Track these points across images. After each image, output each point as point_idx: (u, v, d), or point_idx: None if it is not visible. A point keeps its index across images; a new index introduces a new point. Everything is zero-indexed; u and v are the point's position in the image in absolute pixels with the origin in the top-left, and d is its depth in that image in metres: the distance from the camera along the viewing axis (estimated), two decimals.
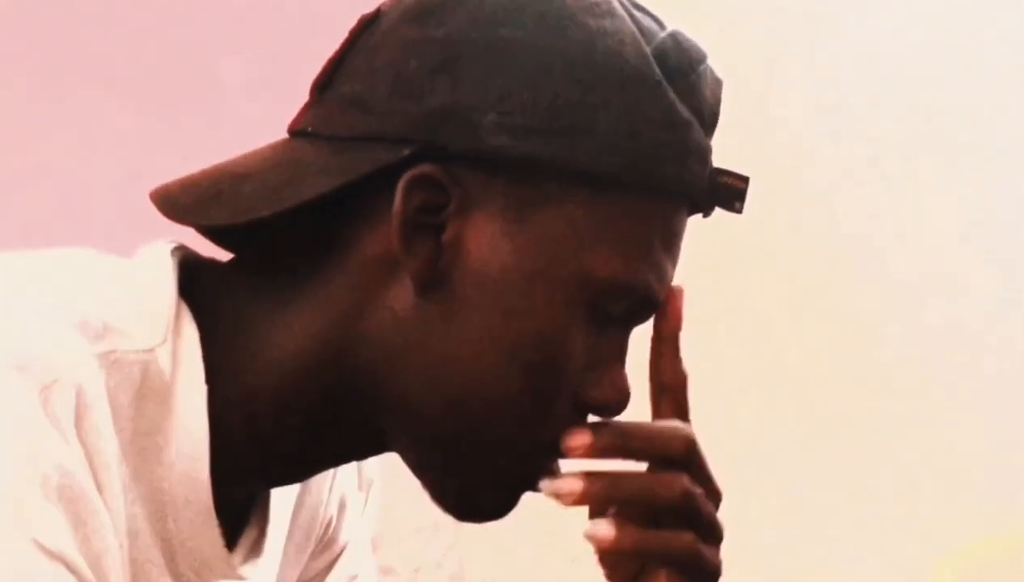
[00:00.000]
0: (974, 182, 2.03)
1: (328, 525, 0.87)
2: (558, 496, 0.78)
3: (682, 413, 0.82)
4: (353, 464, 0.88)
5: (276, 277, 0.78)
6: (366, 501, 0.91)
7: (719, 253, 1.93)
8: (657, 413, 0.83)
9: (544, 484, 0.78)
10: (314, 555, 0.87)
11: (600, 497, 0.78)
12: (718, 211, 0.83)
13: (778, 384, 1.99)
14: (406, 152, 0.76)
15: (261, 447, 0.78)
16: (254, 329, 0.78)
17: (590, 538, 0.79)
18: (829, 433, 1.99)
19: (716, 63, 0.82)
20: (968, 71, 2.02)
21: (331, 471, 0.87)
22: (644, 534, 0.78)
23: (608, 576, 0.84)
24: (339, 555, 0.88)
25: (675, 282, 0.82)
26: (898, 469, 2.01)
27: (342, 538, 0.88)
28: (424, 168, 0.76)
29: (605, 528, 0.78)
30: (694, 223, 0.84)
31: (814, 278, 2.00)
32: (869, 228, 2.01)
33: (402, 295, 0.77)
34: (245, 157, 0.80)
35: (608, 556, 0.80)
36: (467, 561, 1.90)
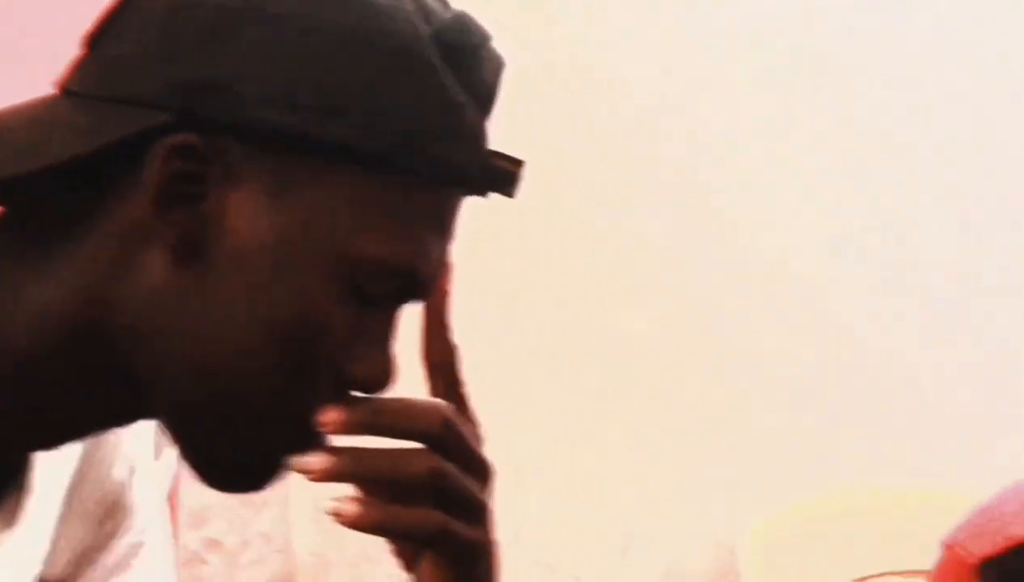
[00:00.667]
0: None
1: (116, 492, 0.87)
2: (305, 471, 0.78)
3: (454, 388, 0.83)
4: (149, 430, 0.88)
5: (36, 236, 0.77)
6: (159, 468, 0.90)
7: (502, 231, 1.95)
8: (433, 391, 0.84)
9: (293, 460, 0.78)
10: (102, 523, 0.87)
11: (345, 473, 0.78)
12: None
13: (581, 354, 2.01)
14: (165, 118, 0.74)
15: (14, 409, 0.77)
16: (11, 287, 0.76)
17: (333, 515, 0.79)
18: (636, 404, 2.01)
19: (500, 45, 0.82)
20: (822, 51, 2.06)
21: (121, 436, 0.86)
22: (387, 511, 0.78)
23: (400, 565, 0.85)
24: (125, 522, 0.87)
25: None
26: (706, 440, 2.04)
27: (130, 505, 0.88)
28: (183, 137, 0.74)
29: (348, 505, 0.78)
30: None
31: (595, 250, 2.02)
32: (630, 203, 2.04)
33: (157, 264, 0.76)
34: (13, 109, 0.78)
35: (367, 533, 0.80)
36: (295, 534, 1.91)
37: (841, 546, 1.96)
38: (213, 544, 1.86)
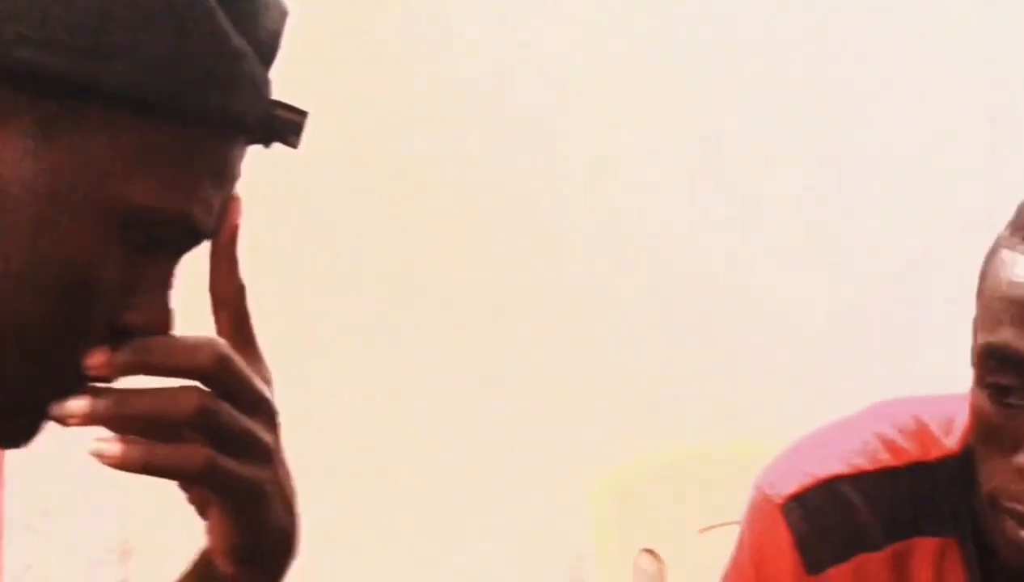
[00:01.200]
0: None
1: None
2: (66, 418, 0.76)
3: (240, 325, 0.82)
4: None
5: None
6: None
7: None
8: (218, 328, 0.82)
9: (53, 407, 0.77)
10: None
11: (107, 415, 0.77)
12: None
13: (408, 303, 2.00)
14: None
15: None
16: None
17: (96, 455, 0.77)
18: (476, 358, 2.01)
19: None
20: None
21: None
22: (150, 449, 0.77)
23: (197, 512, 0.83)
24: None
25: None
26: (552, 394, 2.05)
27: None
28: None
29: (110, 445, 0.77)
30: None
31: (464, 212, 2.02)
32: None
33: None
34: None
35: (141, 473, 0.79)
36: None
37: (688, 498, 1.97)
38: None
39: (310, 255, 1.94)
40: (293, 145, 0.80)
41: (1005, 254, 1.12)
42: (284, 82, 0.85)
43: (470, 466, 2.02)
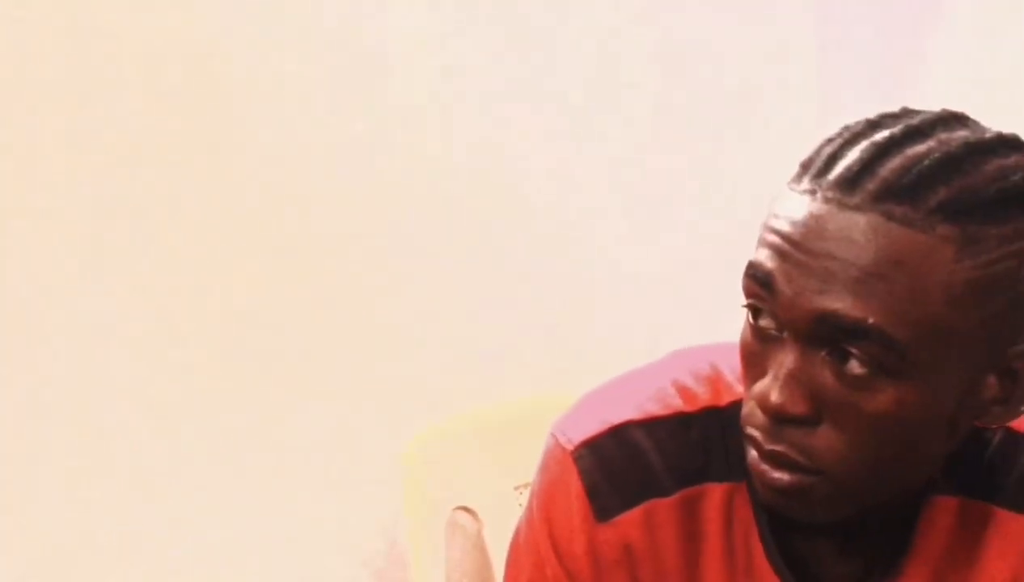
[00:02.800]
0: None
1: None
2: None
3: None
4: None
5: None
6: None
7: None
8: None
9: None
10: None
11: None
12: None
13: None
14: None
15: None
16: None
17: None
18: (293, 321, 1.98)
19: None
20: None
21: None
22: None
23: None
24: None
25: None
26: (369, 352, 2.02)
27: None
28: None
29: None
30: None
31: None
32: None
33: None
34: None
35: None
36: None
37: (502, 455, 1.96)
38: None
39: None
40: None
41: (783, 190, 1.12)
42: None
43: (281, 431, 1.98)
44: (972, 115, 1.14)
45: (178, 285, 1.91)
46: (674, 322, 2.13)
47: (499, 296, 2.06)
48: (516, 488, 1.99)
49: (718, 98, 2.14)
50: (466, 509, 1.95)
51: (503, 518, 1.93)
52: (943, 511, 1.21)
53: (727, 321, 2.04)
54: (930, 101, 1.15)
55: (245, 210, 1.93)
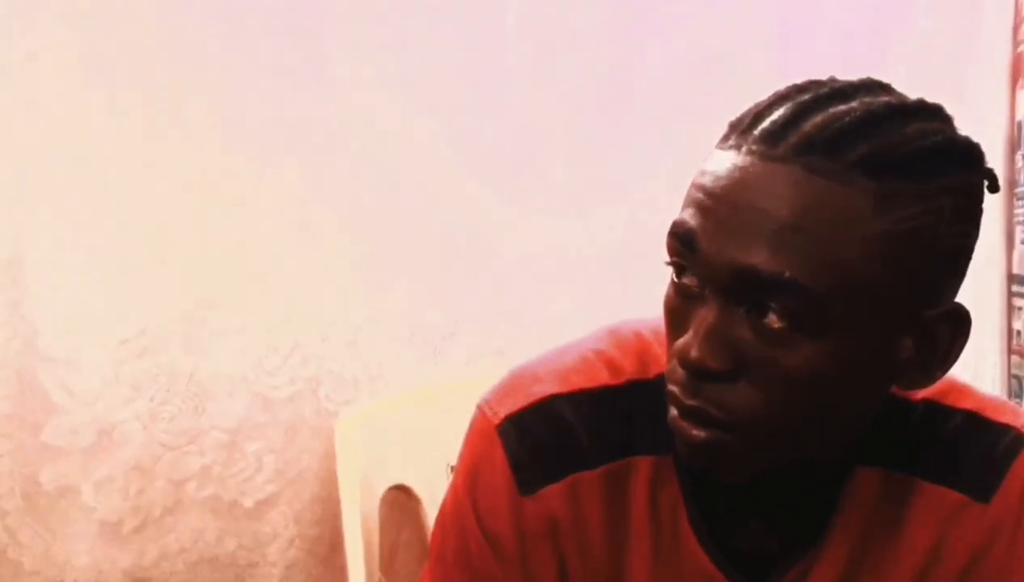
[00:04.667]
0: None
1: None
2: None
3: None
4: None
5: None
6: None
7: None
8: None
9: None
10: None
11: None
12: None
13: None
14: None
15: None
16: None
17: None
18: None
19: None
20: None
21: None
22: None
23: None
24: None
25: None
26: (294, 328, 2.00)
27: None
28: None
29: None
30: None
31: None
32: None
33: None
34: None
35: None
36: None
37: (435, 434, 1.95)
38: None
39: None
40: None
41: (711, 152, 1.13)
42: None
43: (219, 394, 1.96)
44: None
45: None
46: (611, 300, 2.13)
47: (434, 275, 2.04)
48: (450, 466, 1.97)
49: (671, 75, 2.13)
50: (401, 488, 1.94)
51: (437, 497, 1.93)
52: (866, 483, 1.21)
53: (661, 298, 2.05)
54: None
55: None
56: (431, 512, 1.93)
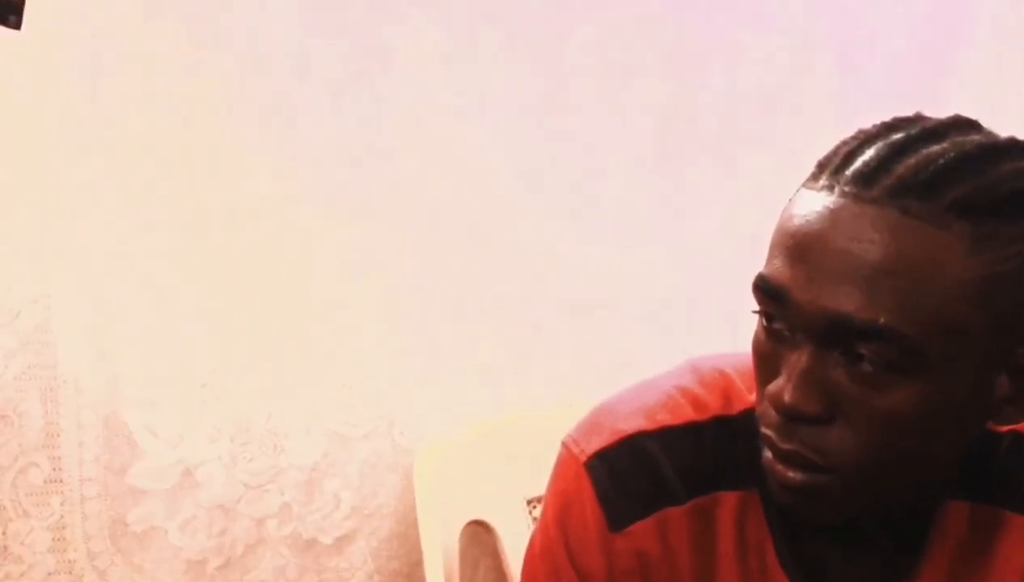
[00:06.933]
0: None
1: None
2: None
3: None
4: None
5: None
6: None
7: None
8: None
9: None
10: None
11: None
12: None
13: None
14: None
15: None
16: None
17: None
18: (305, 320, 1.98)
19: None
20: None
21: None
22: None
23: None
24: None
25: None
26: (384, 362, 2.02)
27: None
28: None
29: None
30: None
31: None
32: None
33: None
34: None
35: None
36: None
37: (513, 468, 1.96)
38: None
39: None
40: (15, 26, 0.78)
41: (798, 192, 1.13)
42: None
43: (307, 439, 1.99)
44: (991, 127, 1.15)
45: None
46: (688, 334, 2.14)
47: (512, 306, 2.06)
48: (528, 501, 1.99)
49: (731, 105, 2.14)
50: (480, 522, 1.96)
51: (516, 532, 1.94)
52: (955, 516, 1.21)
53: (741, 332, 2.06)
54: (953, 111, 1.16)
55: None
56: (508, 546, 1.94)
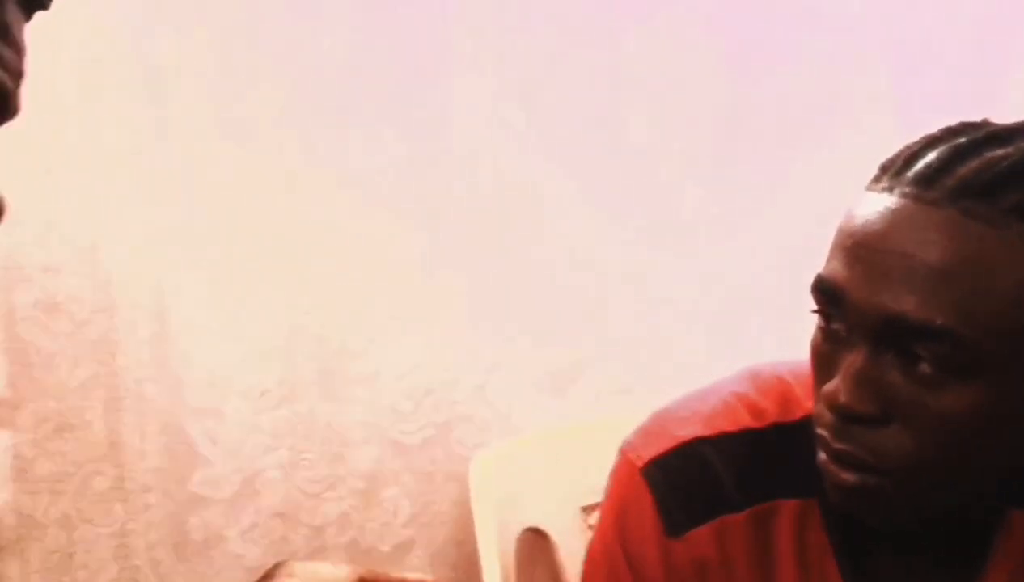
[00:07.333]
0: None
1: None
2: None
3: None
4: None
5: None
6: None
7: None
8: None
9: None
10: None
11: None
12: None
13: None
14: None
15: None
16: None
17: None
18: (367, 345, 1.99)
19: None
20: None
21: None
22: None
23: None
24: None
25: None
26: (437, 369, 2.03)
27: None
28: None
29: None
30: None
31: None
32: None
33: None
34: None
35: None
36: None
37: (569, 475, 1.97)
38: None
39: None
40: (44, 7, 0.79)
41: (860, 194, 1.13)
42: None
43: (365, 447, 2.00)
44: None
45: None
46: (744, 338, 2.14)
47: (569, 315, 2.07)
48: (584, 509, 1.99)
49: (787, 108, 2.14)
50: (536, 530, 1.96)
51: (571, 539, 1.94)
52: (1018, 525, 1.20)
53: (797, 335, 2.05)
54: (1016, 117, 1.15)
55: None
56: (564, 553, 1.94)
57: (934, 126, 1.15)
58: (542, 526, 1.95)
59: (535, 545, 1.97)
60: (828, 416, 1.11)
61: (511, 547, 1.91)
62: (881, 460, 1.09)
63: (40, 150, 1.80)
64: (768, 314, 2.16)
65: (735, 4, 2.11)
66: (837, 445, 1.10)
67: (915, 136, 1.15)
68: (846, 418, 1.09)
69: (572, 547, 1.96)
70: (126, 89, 1.83)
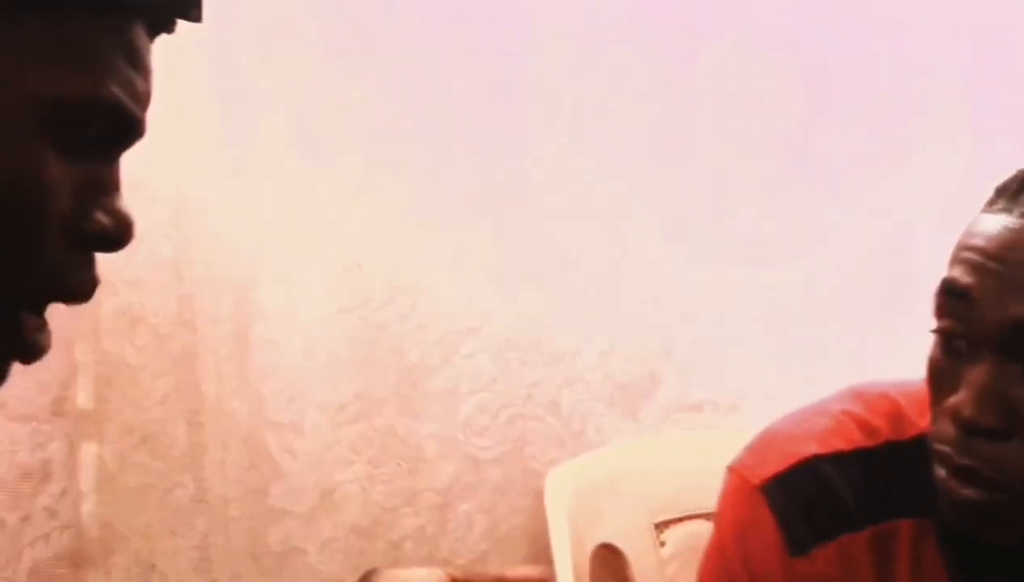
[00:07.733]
0: None
1: None
2: None
3: None
4: None
5: None
6: None
7: None
8: None
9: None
10: None
11: None
12: None
13: None
14: None
15: None
16: None
17: None
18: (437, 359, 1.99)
19: None
20: None
21: None
22: None
23: None
24: None
25: None
26: (510, 386, 2.03)
27: None
28: None
29: None
30: None
31: None
32: None
33: None
34: None
35: None
36: (84, 507, 1.86)
37: (642, 492, 1.97)
38: None
39: None
40: (196, 19, 0.79)
41: (977, 215, 1.14)
42: None
43: (442, 466, 2.01)
44: None
45: None
46: (805, 355, 2.14)
47: (631, 333, 2.07)
48: (656, 525, 1.99)
49: (862, 123, 2.14)
50: (609, 546, 1.96)
51: (644, 556, 1.94)
52: None
53: (865, 357, 2.06)
54: None
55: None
56: (637, 569, 1.94)
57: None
58: (615, 542, 1.95)
59: (608, 560, 1.97)
60: (951, 431, 1.10)
61: (584, 562, 1.91)
62: (1004, 476, 1.08)
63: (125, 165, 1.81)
64: (836, 332, 2.16)
65: (809, 22, 2.12)
66: (960, 460, 1.10)
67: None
68: (970, 432, 1.09)
69: (644, 563, 1.96)
70: (214, 108, 1.84)
